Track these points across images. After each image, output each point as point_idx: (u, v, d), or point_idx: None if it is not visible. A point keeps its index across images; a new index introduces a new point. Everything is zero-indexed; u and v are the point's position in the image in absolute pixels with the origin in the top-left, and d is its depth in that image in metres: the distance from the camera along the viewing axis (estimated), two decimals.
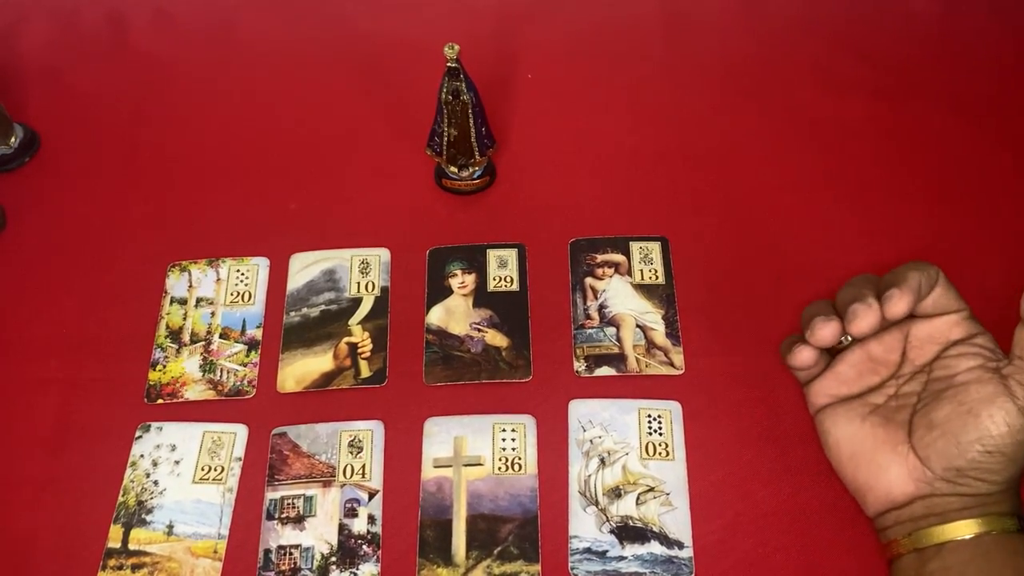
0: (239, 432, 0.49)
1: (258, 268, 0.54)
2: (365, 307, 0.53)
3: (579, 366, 0.50)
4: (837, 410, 0.43)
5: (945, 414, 0.39)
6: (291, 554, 0.45)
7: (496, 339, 0.51)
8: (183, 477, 0.47)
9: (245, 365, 0.51)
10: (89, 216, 0.57)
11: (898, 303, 0.39)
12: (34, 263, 0.55)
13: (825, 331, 0.41)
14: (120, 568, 0.45)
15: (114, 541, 0.46)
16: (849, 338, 0.44)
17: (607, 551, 0.45)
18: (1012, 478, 0.39)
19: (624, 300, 0.52)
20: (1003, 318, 0.50)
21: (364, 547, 0.45)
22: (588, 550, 0.45)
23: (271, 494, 0.47)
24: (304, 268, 0.54)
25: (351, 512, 0.46)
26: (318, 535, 0.46)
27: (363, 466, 0.47)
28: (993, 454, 0.38)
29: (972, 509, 0.39)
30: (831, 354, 0.45)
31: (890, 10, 0.65)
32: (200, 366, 0.51)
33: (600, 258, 0.54)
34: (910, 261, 0.42)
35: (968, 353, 0.41)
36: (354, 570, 0.45)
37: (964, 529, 0.38)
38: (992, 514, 0.38)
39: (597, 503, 0.46)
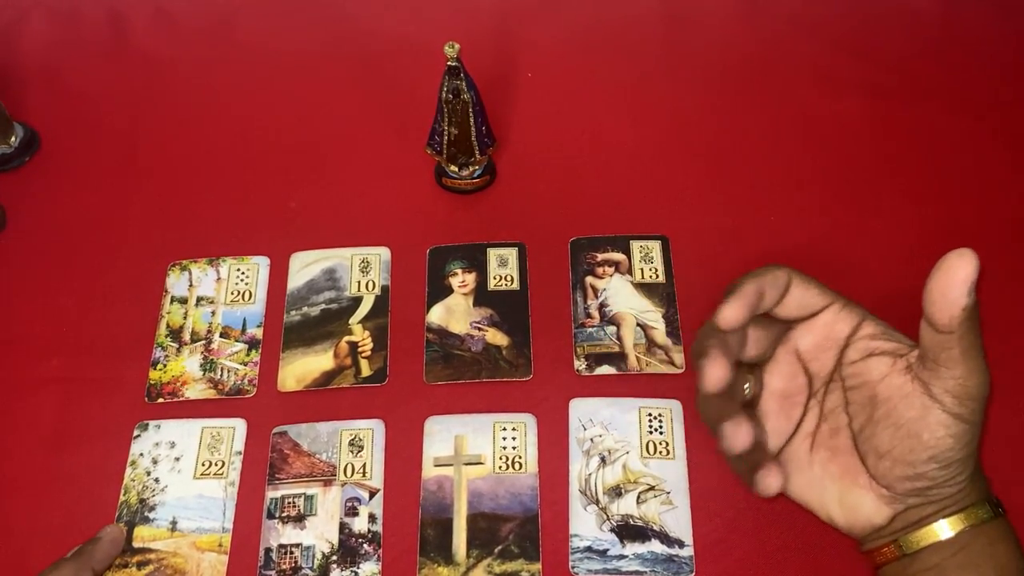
0: (238, 427, 0.49)
1: (258, 267, 0.54)
2: (365, 306, 0.53)
3: (579, 365, 0.50)
4: (782, 458, 0.41)
5: (887, 440, 0.38)
6: (292, 553, 0.45)
7: (496, 338, 0.51)
8: (184, 473, 0.47)
9: (246, 364, 0.51)
10: (89, 215, 0.57)
11: (725, 311, 0.37)
12: (34, 262, 0.55)
13: (728, 434, 0.37)
14: (125, 566, 0.45)
15: None
16: (748, 390, 0.41)
17: (608, 550, 0.45)
18: (975, 471, 0.38)
19: (624, 299, 0.52)
20: (1003, 318, 0.51)
21: (365, 546, 0.45)
22: (589, 549, 0.45)
23: (272, 493, 0.47)
24: (304, 267, 0.54)
25: (352, 511, 0.46)
26: (319, 534, 0.46)
27: (364, 465, 0.47)
28: (950, 466, 0.37)
29: (947, 509, 0.38)
30: (745, 406, 0.43)
31: (890, 9, 0.65)
32: (201, 365, 0.51)
33: (600, 257, 0.54)
34: (760, 267, 0.39)
35: (871, 354, 0.39)
36: (355, 569, 0.45)
37: (942, 530, 0.38)
38: (967, 507, 0.38)
39: (598, 502, 0.46)
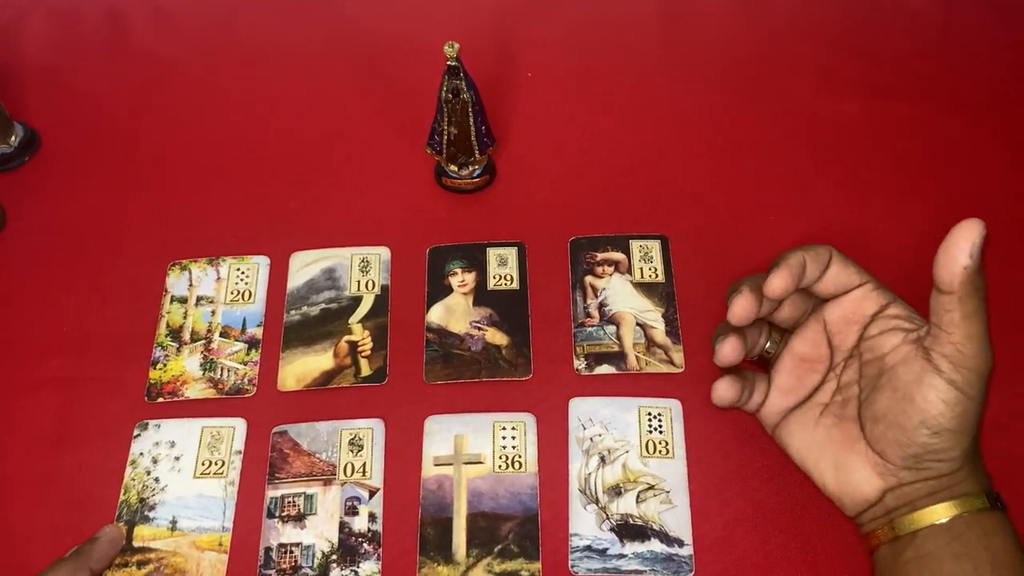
0: (238, 426, 0.49)
1: (258, 267, 0.54)
2: (365, 305, 0.53)
3: (579, 364, 0.50)
4: (790, 421, 0.44)
5: (884, 404, 0.40)
6: (292, 552, 0.45)
7: (496, 337, 0.51)
8: (184, 473, 0.47)
9: (245, 363, 0.51)
10: (89, 215, 0.57)
11: (773, 280, 0.40)
12: (34, 262, 0.55)
13: (725, 347, 0.43)
14: (126, 565, 0.45)
15: None
16: (771, 348, 0.45)
17: (607, 549, 0.45)
18: (968, 451, 0.39)
19: (624, 298, 0.52)
20: (1004, 318, 0.51)
21: (365, 545, 0.45)
22: (588, 548, 0.45)
23: (272, 492, 0.47)
24: (304, 267, 0.54)
25: (352, 510, 0.46)
26: (319, 533, 0.46)
27: (363, 464, 0.47)
28: (940, 434, 0.38)
29: (940, 493, 0.39)
30: (766, 371, 0.46)
31: (890, 9, 0.65)
32: (201, 365, 0.51)
33: (600, 256, 0.54)
34: (804, 244, 0.42)
35: (889, 329, 0.41)
36: (355, 568, 0.45)
37: (935, 514, 0.38)
38: (961, 496, 0.39)
39: (597, 501, 0.46)
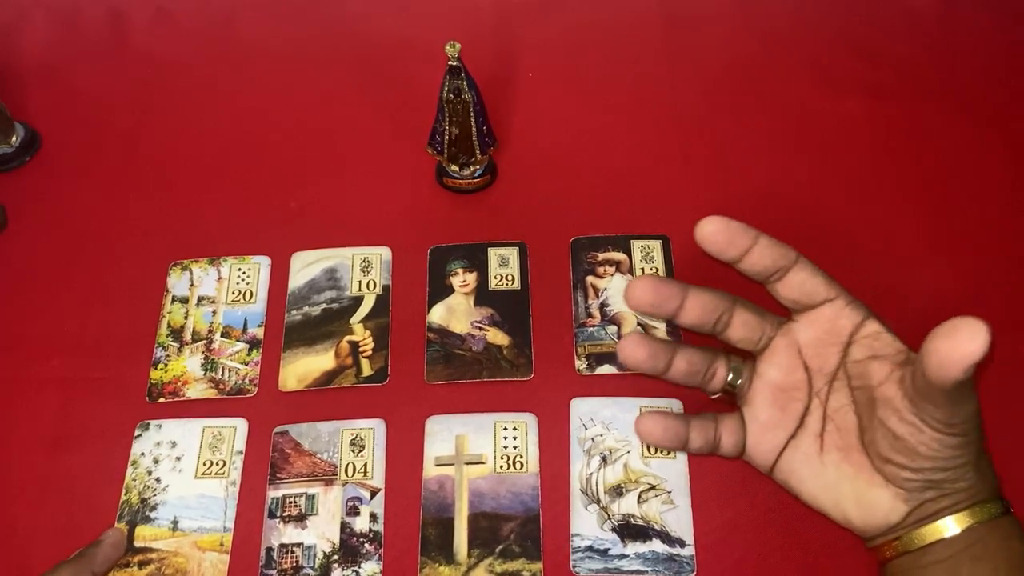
0: (239, 426, 0.49)
1: (259, 267, 0.54)
2: (366, 306, 0.53)
3: (580, 364, 0.50)
4: (790, 461, 0.41)
5: (888, 447, 0.38)
6: (293, 552, 0.45)
7: (497, 337, 0.51)
8: (185, 473, 0.47)
9: (247, 364, 0.51)
10: (90, 215, 0.57)
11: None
12: (35, 262, 0.55)
13: (627, 341, 0.41)
14: (127, 566, 0.45)
15: None
16: (734, 379, 0.43)
17: (609, 549, 0.45)
18: (984, 468, 0.39)
19: None
20: (1005, 317, 0.51)
21: (366, 545, 0.45)
22: (590, 548, 0.45)
23: (273, 492, 0.47)
24: (305, 267, 0.54)
25: (353, 510, 0.46)
26: (320, 533, 0.46)
27: (365, 464, 0.47)
28: (951, 469, 0.37)
29: (960, 504, 0.38)
30: (734, 407, 0.44)
31: (890, 8, 0.65)
32: (202, 365, 0.51)
33: (601, 256, 0.54)
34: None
35: (872, 356, 0.39)
36: (356, 568, 0.45)
37: (954, 524, 0.38)
38: (979, 503, 0.38)
39: (599, 501, 0.46)
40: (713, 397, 0.45)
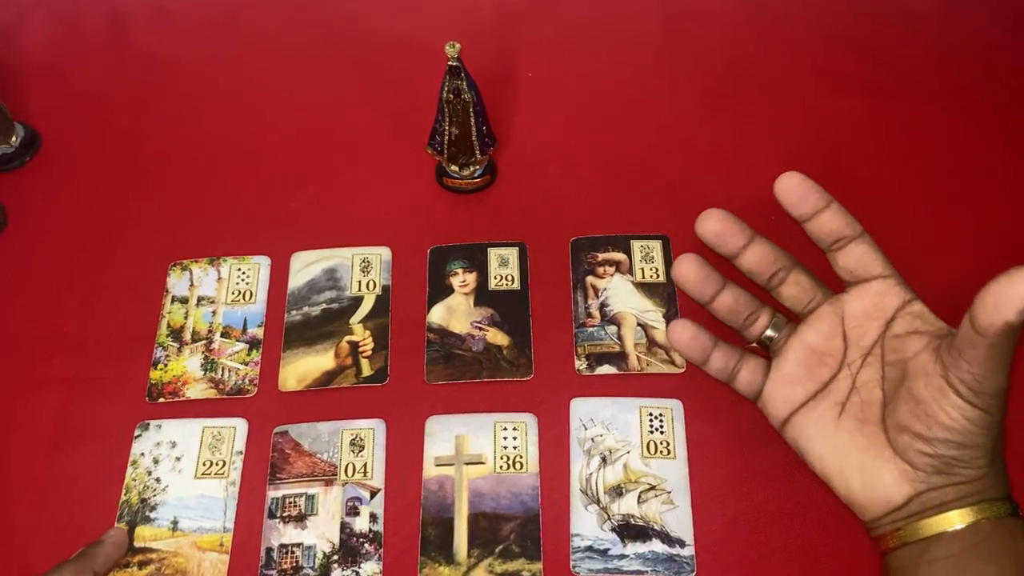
0: (239, 426, 0.49)
1: (259, 267, 0.54)
2: (366, 306, 0.53)
3: (580, 364, 0.50)
4: (805, 420, 0.42)
5: (906, 415, 0.39)
6: (293, 553, 0.45)
7: (497, 338, 0.51)
8: (185, 473, 0.47)
9: (246, 364, 0.51)
10: (90, 215, 0.57)
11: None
12: (35, 262, 0.55)
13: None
14: (127, 566, 0.45)
15: None
16: (773, 332, 0.45)
17: (608, 549, 0.45)
18: (996, 458, 0.39)
19: (625, 298, 0.52)
20: None
21: (366, 545, 0.45)
22: (590, 548, 0.45)
23: (273, 493, 0.47)
24: (305, 267, 0.54)
25: (353, 511, 0.46)
26: (320, 534, 0.46)
27: (364, 465, 0.47)
28: (967, 447, 0.37)
29: (969, 498, 0.39)
30: (768, 358, 0.45)
31: (890, 8, 0.65)
32: (201, 365, 0.51)
33: (601, 256, 0.54)
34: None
35: (913, 332, 0.41)
36: (356, 569, 0.45)
37: (959, 518, 0.38)
38: (988, 500, 0.38)
39: (598, 501, 0.46)
40: (749, 345, 0.46)
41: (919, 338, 0.40)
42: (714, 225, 0.44)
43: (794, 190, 0.42)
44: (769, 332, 0.45)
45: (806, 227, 0.43)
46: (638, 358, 0.50)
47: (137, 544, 0.46)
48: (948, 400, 0.37)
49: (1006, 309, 0.34)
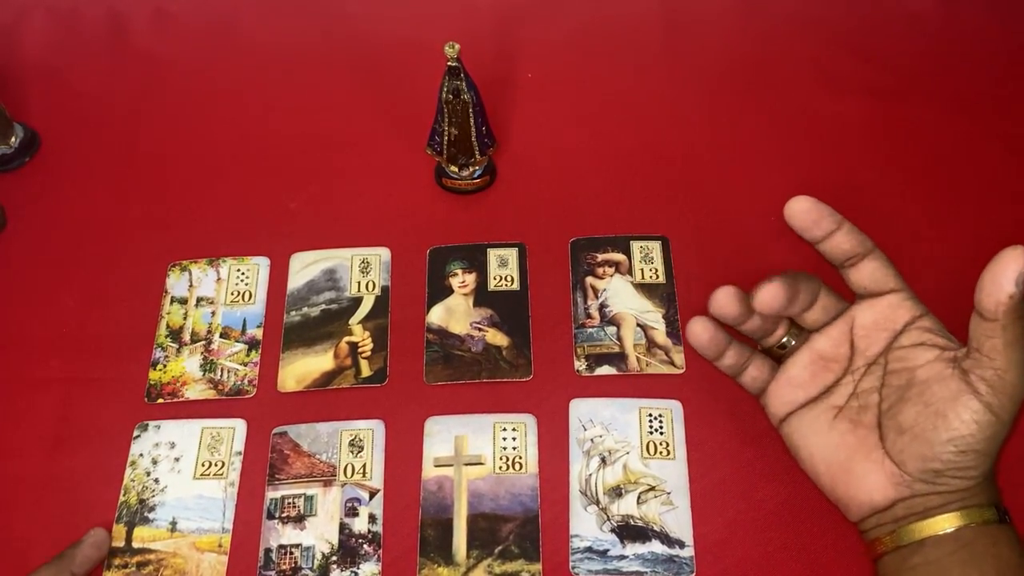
0: (238, 427, 0.49)
1: (258, 267, 0.54)
2: (365, 306, 0.53)
3: (580, 365, 0.50)
4: (801, 419, 0.43)
5: (913, 416, 0.39)
6: (292, 553, 0.45)
7: (497, 338, 0.51)
8: (184, 474, 0.47)
9: (246, 364, 0.51)
10: (89, 216, 0.57)
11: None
12: (34, 263, 0.55)
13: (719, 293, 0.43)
14: (125, 567, 0.45)
15: (118, 540, 0.46)
16: (788, 341, 0.45)
17: (608, 550, 0.45)
18: (988, 471, 0.39)
19: (625, 299, 0.52)
20: None
21: (365, 546, 0.45)
22: (589, 549, 0.45)
23: (272, 493, 0.47)
24: (304, 267, 0.54)
25: (352, 511, 0.46)
26: (319, 534, 0.46)
27: (364, 465, 0.47)
28: (967, 453, 0.37)
29: (952, 504, 0.39)
30: (777, 360, 0.46)
31: (890, 9, 0.65)
32: (201, 365, 0.51)
33: (601, 257, 0.54)
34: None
35: (922, 343, 0.41)
36: (355, 569, 0.45)
37: (944, 523, 0.38)
38: (972, 506, 0.38)
39: (598, 502, 0.46)
40: (760, 348, 0.47)
41: (928, 350, 0.40)
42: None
43: (806, 215, 0.42)
44: (784, 340, 0.45)
45: (818, 247, 0.43)
46: (637, 359, 0.50)
47: (135, 545, 0.46)
48: (963, 401, 0.37)
49: (1005, 282, 0.35)
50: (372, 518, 0.46)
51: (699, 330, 0.45)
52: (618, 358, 0.50)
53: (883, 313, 0.42)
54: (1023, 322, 0.36)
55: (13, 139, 0.59)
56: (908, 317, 0.42)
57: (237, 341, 0.52)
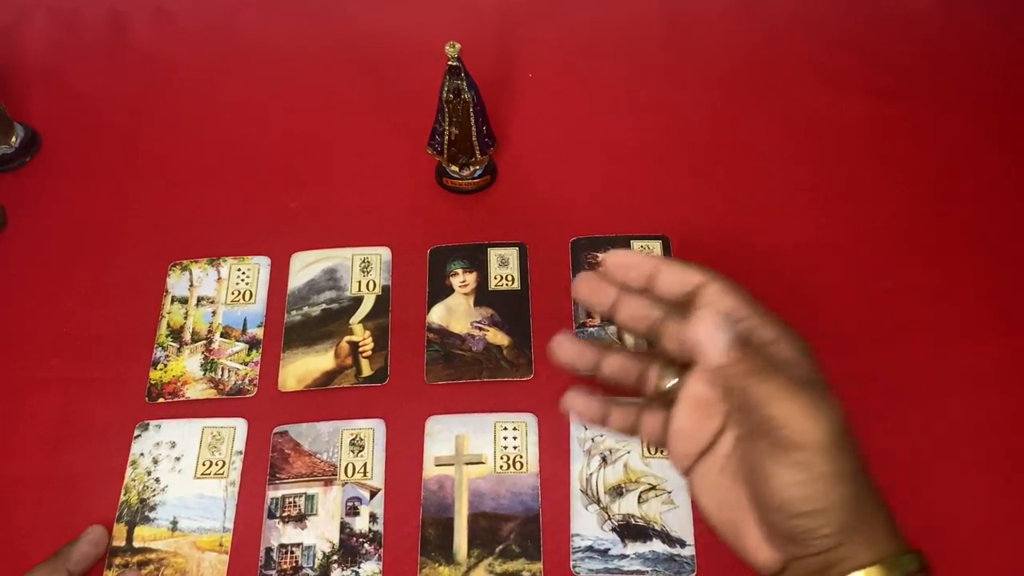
0: (238, 426, 0.49)
1: (259, 267, 0.54)
2: (366, 306, 0.53)
3: None
4: (696, 472, 0.36)
5: (744, 480, 0.34)
6: (292, 553, 0.45)
7: (497, 338, 0.51)
8: (184, 473, 0.47)
9: (246, 364, 0.51)
10: (90, 215, 0.57)
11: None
12: (35, 263, 0.55)
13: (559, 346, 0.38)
14: (126, 566, 0.45)
15: (119, 539, 0.46)
16: (666, 383, 0.38)
17: (609, 549, 0.45)
18: (848, 524, 0.32)
19: None
20: (1006, 316, 0.51)
21: (365, 545, 0.45)
22: (590, 548, 0.45)
23: (272, 493, 0.47)
24: (305, 267, 0.54)
25: (352, 511, 0.46)
26: (319, 534, 0.46)
27: (364, 465, 0.47)
28: (803, 515, 0.32)
29: (835, 567, 0.32)
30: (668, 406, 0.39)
31: (890, 9, 0.65)
32: (201, 365, 0.51)
33: (601, 257, 0.54)
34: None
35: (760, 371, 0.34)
36: (355, 568, 0.45)
37: None
38: (856, 568, 0.32)
39: (599, 501, 0.46)
40: (646, 398, 0.39)
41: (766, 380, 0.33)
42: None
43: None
44: (658, 384, 0.38)
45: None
46: None
47: (136, 544, 0.46)
48: (774, 459, 0.32)
49: (712, 352, 0.32)
50: (373, 517, 0.46)
51: (573, 402, 0.38)
52: None
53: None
54: (758, 362, 0.32)
55: (13, 139, 0.59)
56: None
57: (238, 340, 0.52)
